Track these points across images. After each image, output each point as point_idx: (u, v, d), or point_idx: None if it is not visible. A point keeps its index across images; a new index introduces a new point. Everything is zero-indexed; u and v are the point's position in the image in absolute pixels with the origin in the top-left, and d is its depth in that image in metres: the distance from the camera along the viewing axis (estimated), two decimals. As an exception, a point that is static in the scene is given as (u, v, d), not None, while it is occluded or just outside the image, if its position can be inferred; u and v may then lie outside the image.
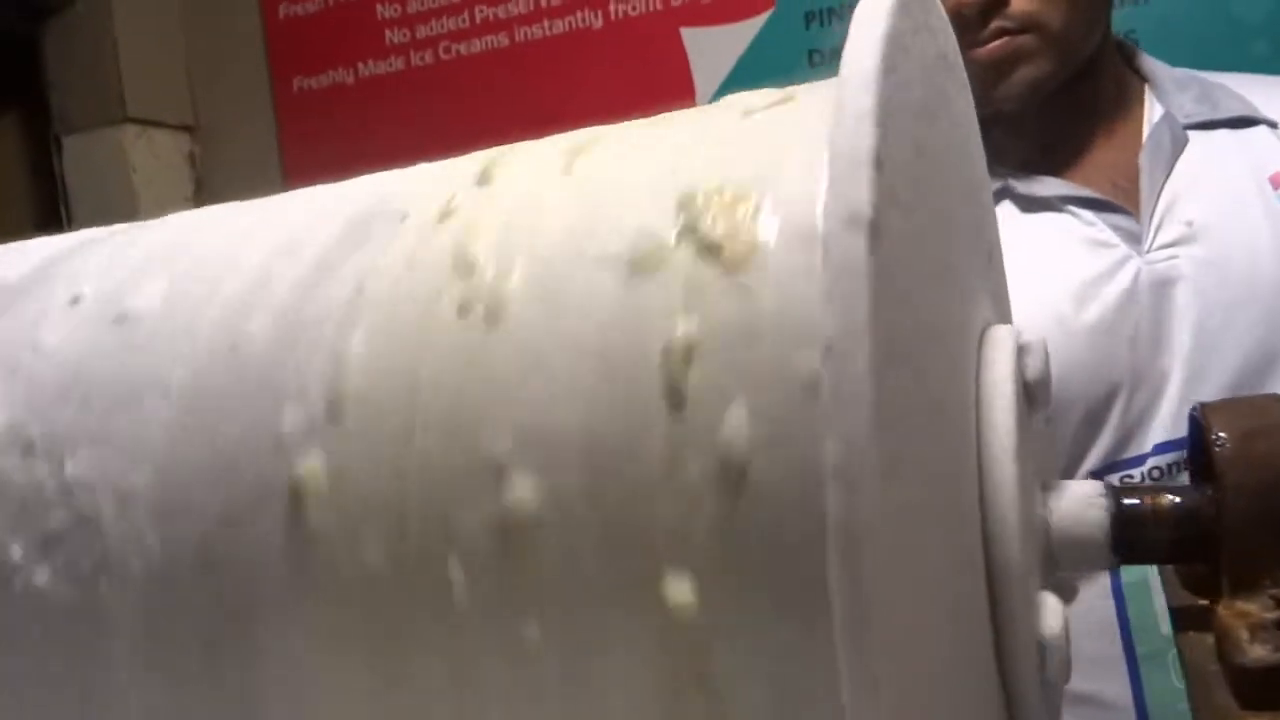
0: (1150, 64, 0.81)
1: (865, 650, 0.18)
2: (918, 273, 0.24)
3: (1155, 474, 0.72)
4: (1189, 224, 0.73)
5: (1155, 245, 0.73)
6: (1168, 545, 0.29)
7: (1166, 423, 0.72)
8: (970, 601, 0.25)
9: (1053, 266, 0.74)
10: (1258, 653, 0.25)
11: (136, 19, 1.62)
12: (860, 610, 0.18)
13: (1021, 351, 0.30)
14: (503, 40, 1.44)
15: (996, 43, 0.72)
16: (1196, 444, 0.31)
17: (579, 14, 1.40)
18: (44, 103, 1.64)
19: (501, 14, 1.44)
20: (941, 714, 0.23)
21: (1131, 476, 0.71)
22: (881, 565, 0.19)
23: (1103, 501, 0.30)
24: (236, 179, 1.66)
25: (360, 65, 1.53)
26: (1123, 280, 0.73)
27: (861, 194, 0.20)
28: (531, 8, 1.42)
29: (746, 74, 1.31)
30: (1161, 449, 0.72)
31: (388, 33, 1.51)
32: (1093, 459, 0.72)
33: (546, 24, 1.42)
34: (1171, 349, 0.72)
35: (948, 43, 0.33)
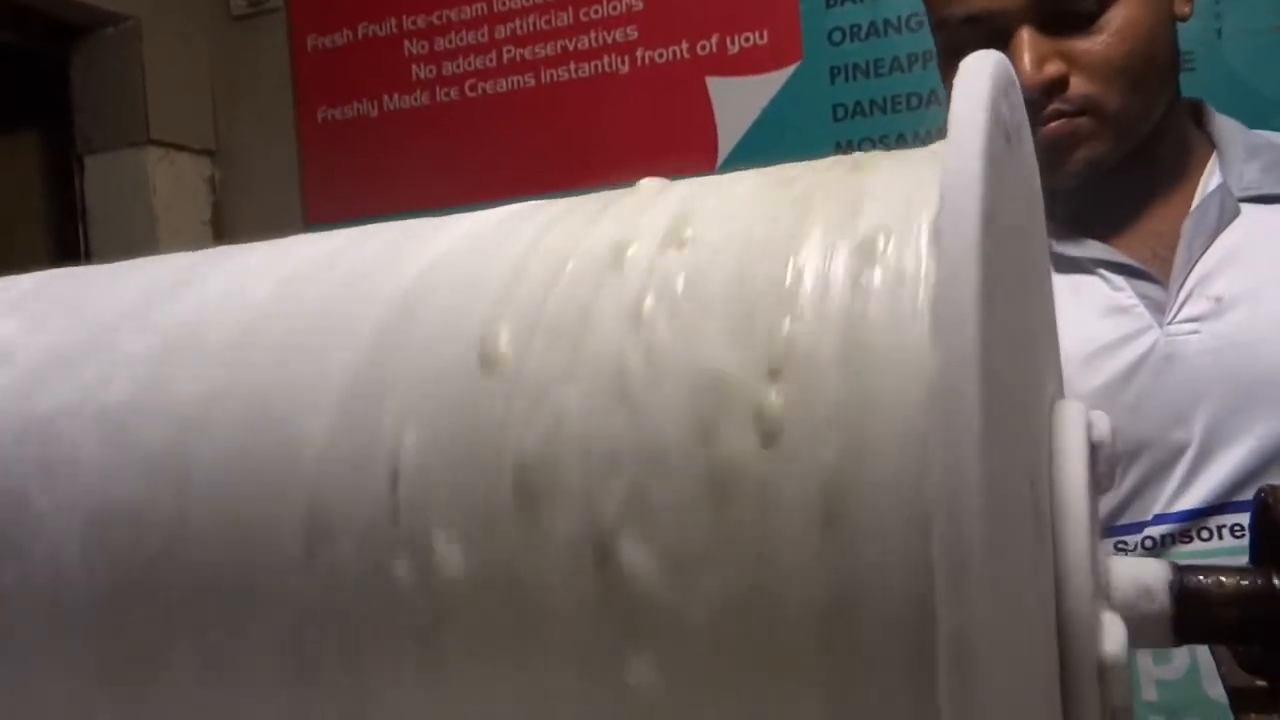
0: (1223, 128, 0.81)
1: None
2: (1009, 348, 0.25)
3: (1149, 544, 0.72)
4: (1217, 299, 0.73)
5: (1178, 318, 0.74)
6: (1231, 626, 0.29)
7: (1170, 494, 0.72)
8: (1047, 671, 0.26)
9: (1072, 330, 0.74)
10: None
11: (164, 43, 1.65)
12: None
13: (1091, 427, 0.31)
14: (529, 80, 1.47)
15: (1055, 124, 0.73)
16: (1265, 524, 0.31)
17: (606, 58, 1.42)
18: (67, 122, 1.67)
19: (529, 54, 1.47)
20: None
21: (1125, 544, 0.71)
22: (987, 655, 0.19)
23: (1167, 577, 0.30)
24: (255, 204, 1.68)
25: (385, 98, 1.56)
26: (1136, 349, 0.73)
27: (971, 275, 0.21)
28: (559, 50, 1.45)
29: (770, 125, 1.33)
30: (1160, 520, 0.72)
31: (414, 68, 1.54)
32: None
33: (573, 66, 1.44)
34: (1186, 423, 0.72)
35: (1022, 117, 0.34)
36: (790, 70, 1.34)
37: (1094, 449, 0.33)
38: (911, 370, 0.22)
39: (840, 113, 1.33)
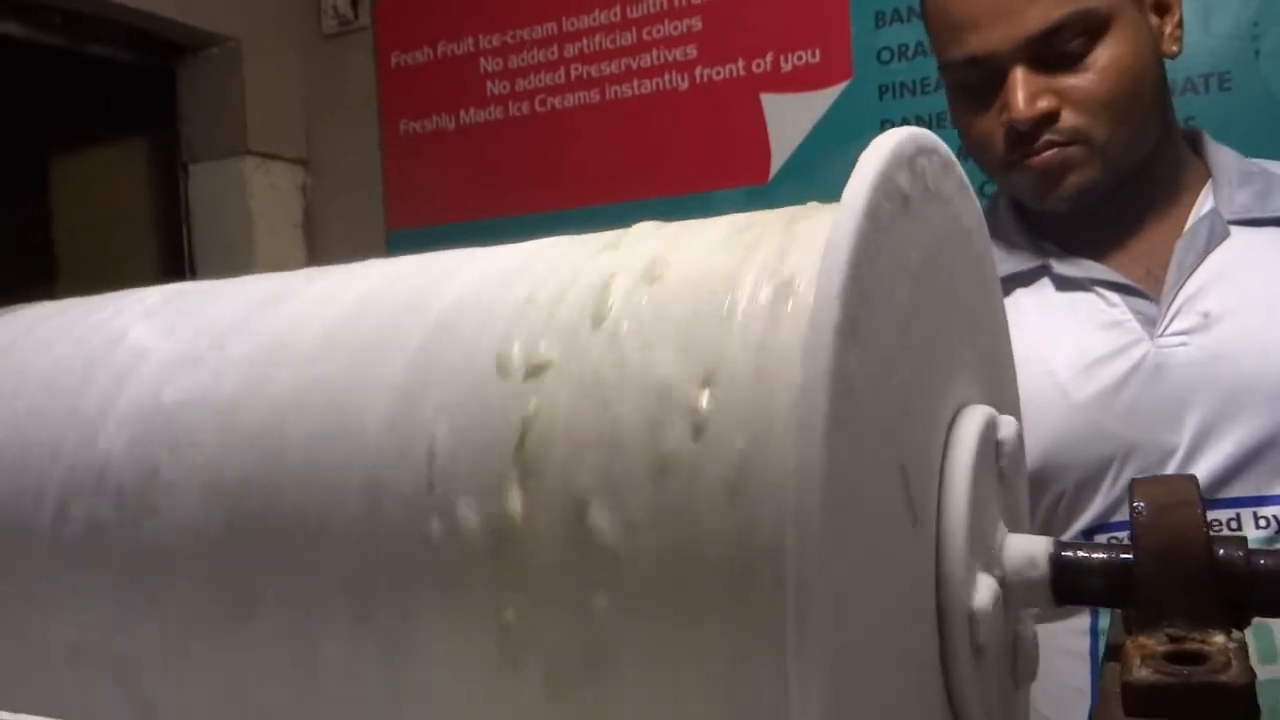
0: (1217, 155, 0.85)
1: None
2: (887, 365, 0.32)
3: None
4: (1205, 315, 0.78)
5: (1168, 331, 0.79)
6: (1095, 591, 0.36)
7: None
8: (920, 619, 0.33)
9: (1069, 343, 0.80)
10: (1141, 674, 0.32)
11: (261, 61, 1.77)
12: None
13: (993, 428, 0.38)
14: (594, 96, 1.55)
15: (1048, 154, 0.78)
16: (1131, 512, 0.38)
17: (666, 76, 1.50)
18: (174, 133, 1.80)
19: (595, 72, 1.54)
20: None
21: (1118, 537, 0.77)
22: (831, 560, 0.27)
23: (1048, 550, 0.37)
24: (341, 209, 1.79)
25: (462, 113, 1.65)
26: (1128, 361, 0.79)
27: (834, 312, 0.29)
28: (623, 68, 1.52)
29: (821, 140, 1.39)
30: None
31: (489, 84, 1.63)
32: (1085, 519, 0.79)
33: (636, 83, 1.52)
34: (1175, 428, 0.77)
35: (937, 180, 0.40)
36: (841, 88, 1.39)
37: (998, 446, 0.40)
38: (797, 381, 0.29)
39: (887, 127, 1.38)
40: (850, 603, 0.28)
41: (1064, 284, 0.83)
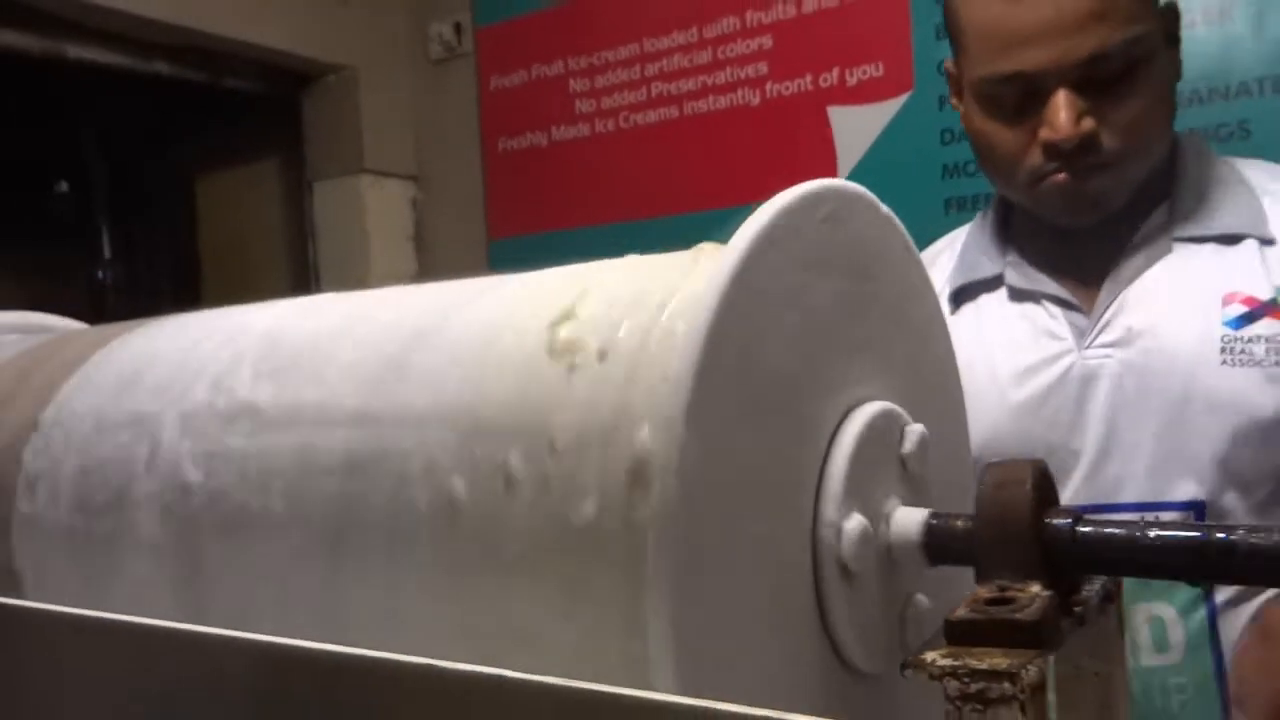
0: (1185, 167, 0.87)
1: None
2: (760, 375, 0.41)
3: None
4: (1128, 330, 0.82)
5: (1095, 344, 0.83)
6: (957, 553, 0.45)
7: (1075, 492, 0.83)
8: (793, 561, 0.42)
9: (1013, 350, 0.86)
10: (960, 613, 0.40)
11: (376, 87, 1.93)
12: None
13: (890, 419, 0.47)
14: (673, 112, 1.64)
15: (1085, 174, 0.81)
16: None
17: (739, 92, 1.58)
18: (300, 154, 1.98)
19: (674, 90, 1.64)
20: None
21: None
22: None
23: (922, 519, 0.46)
24: (448, 222, 1.94)
25: (554, 130, 1.77)
26: (1057, 370, 0.84)
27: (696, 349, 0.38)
28: (699, 86, 1.62)
29: (885, 149, 1.45)
30: None
31: (578, 103, 1.75)
32: None
33: (711, 99, 1.61)
34: (1086, 434, 0.82)
35: (840, 226, 0.49)
36: (903, 99, 1.45)
37: (902, 439, 0.48)
38: (660, 389, 0.39)
39: (947, 137, 1.43)
40: (708, 563, 0.37)
41: (1019, 295, 0.89)
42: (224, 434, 0.52)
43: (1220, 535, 0.41)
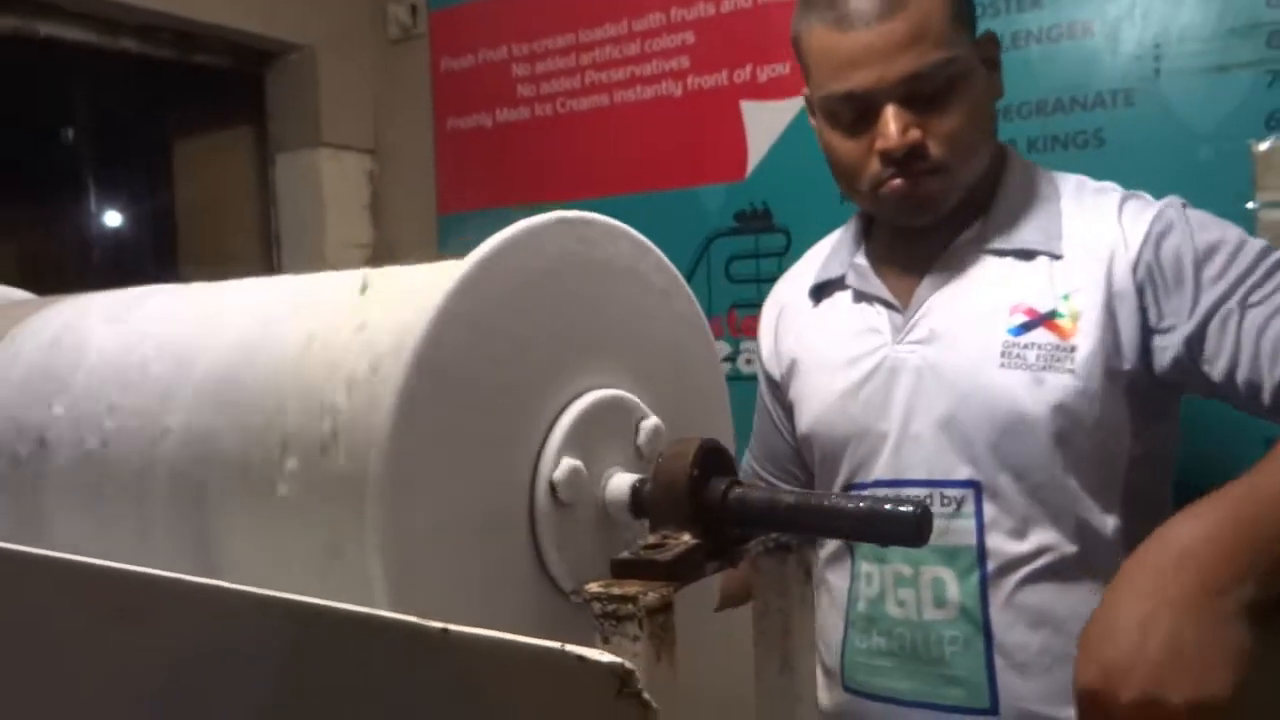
0: (1004, 184, 0.98)
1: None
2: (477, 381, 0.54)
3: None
4: (931, 330, 0.96)
5: (905, 340, 0.97)
6: (642, 509, 0.58)
7: (883, 467, 0.96)
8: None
9: (844, 341, 1.00)
10: (623, 555, 0.53)
11: (335, 65, 2.03)
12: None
13: (618, 404, 0.59)
14: (604, 100, 1.75)
15: (916, 178, 0.93)
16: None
17: (663, 84, 1.68)
18: (263, 127, 2.09)
19: (605, 79, 1.74)
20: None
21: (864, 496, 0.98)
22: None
23: (632, 482, 0.59)
24: (403, 194, 2.05)
25: (498, 112, 1.87)
26: (871, 362, 0.97)
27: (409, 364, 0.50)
28: (628, 76, 1.71)
29: (792, 140, 1.56)
30: (880, 484, 0.96)
31: (519, 87, 1.85)
32: (839, 481, 0.99)
33: (639, 89, 1.71)
34: (890, 419, 0.95)
35: (570, 251, 0.61)
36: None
37: (638, 431, 0.61)
38: (387, 395, 0.51)
39: (844, 134, 1.55)
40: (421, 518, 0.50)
41: (858, 296, 1.02)
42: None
43: (818, 502, 0.54)
